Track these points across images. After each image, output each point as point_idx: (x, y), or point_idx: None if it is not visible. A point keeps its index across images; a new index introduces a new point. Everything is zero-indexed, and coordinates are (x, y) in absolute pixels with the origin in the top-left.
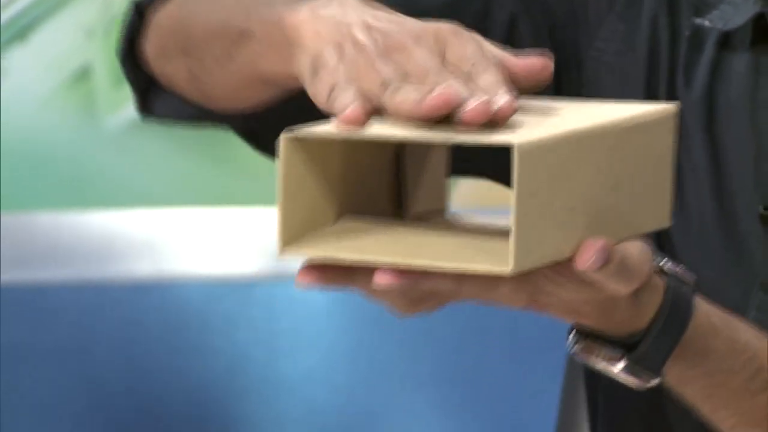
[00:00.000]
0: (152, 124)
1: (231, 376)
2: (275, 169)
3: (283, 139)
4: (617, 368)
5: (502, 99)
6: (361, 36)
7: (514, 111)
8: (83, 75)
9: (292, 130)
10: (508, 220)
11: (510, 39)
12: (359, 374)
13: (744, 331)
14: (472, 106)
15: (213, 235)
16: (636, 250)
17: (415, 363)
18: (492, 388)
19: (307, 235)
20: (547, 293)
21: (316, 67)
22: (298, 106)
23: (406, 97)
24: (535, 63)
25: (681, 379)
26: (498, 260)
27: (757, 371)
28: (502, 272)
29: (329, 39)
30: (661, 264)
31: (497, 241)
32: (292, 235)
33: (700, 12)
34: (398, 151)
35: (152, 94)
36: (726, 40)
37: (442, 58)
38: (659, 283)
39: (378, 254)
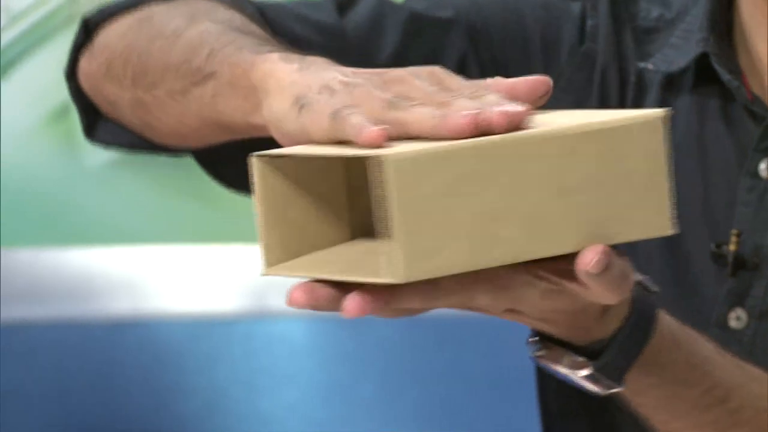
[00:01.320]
0: (99, 147)
1: (210, 414)
2: (252, 207)
3: (256, 161)
4: (580, 375)
5: (514, 107)
6: (349, 77)
7: (525, 116)
8: (64, 111)
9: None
10: None
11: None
12: (339, 411)
13: (703, 346)
14: (496, 113)
15: (192, 272)
16: (623, 260)
17: (394, 399)
18: (472, 424)
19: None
20: (524, 301)
21: (302, 104)
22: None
23: (424, 114)
24: (537, 80)
25: (638, 387)
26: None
27: (713, 386)
28: (391, 281)
29: (311, 84)
30: None
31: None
32: (277, 257)
33: (644, 57)
34: None
35: (97, 119)
36: (670, 83)
37: (442, 86)
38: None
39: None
